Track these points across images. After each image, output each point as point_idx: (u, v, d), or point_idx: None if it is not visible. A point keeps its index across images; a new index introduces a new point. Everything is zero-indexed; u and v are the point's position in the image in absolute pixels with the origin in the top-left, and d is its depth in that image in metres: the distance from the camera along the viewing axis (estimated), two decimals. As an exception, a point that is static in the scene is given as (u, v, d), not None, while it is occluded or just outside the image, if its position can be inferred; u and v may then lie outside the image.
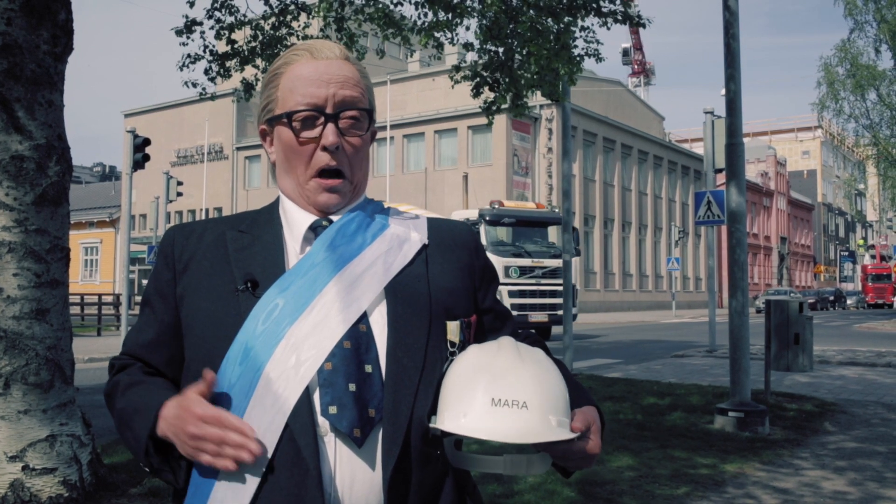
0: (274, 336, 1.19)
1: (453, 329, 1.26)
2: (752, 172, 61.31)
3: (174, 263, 1.32)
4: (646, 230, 48.49)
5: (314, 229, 1.30)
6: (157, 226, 23.29)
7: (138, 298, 37.59)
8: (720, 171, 12.88)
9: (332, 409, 1.15)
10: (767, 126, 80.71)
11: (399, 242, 1.32)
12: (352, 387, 1.16)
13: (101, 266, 51.21)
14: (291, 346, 1.18)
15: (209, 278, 1.28)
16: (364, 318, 1.22)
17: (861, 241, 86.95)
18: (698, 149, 55.65)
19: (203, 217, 47.49)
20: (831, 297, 54.15)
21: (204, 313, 1.25)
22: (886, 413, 8.32)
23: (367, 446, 1.16)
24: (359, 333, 1.21)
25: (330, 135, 1.26)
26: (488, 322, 1.39)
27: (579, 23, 9.24)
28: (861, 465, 5.95)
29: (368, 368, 1.19)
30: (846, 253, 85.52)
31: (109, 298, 25.97)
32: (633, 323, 29.81)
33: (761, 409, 7.21)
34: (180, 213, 47.42)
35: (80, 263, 50.71)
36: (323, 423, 1.16)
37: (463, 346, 1.26)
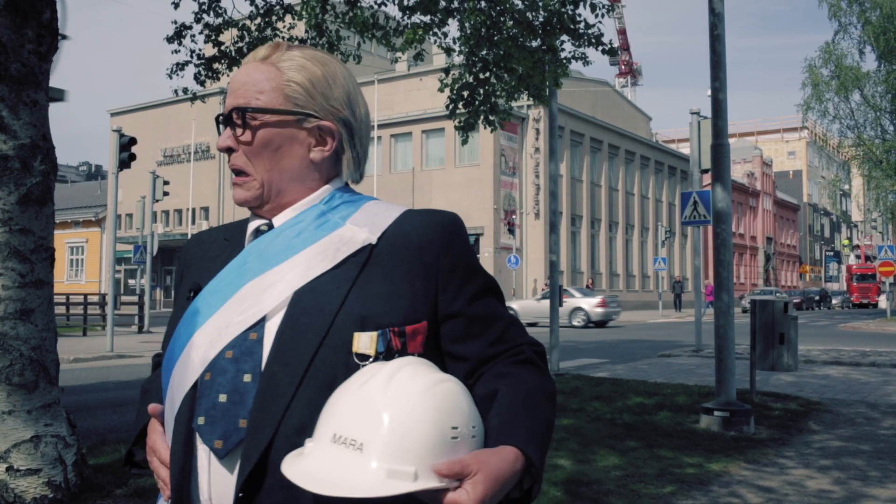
0: (182, 343, 1.23)
1: (365, 341, 1.14)
2: (738, 173, 61.64)
3: (182, 270, 1.40)
4: (633, 230, 48.64)
5: (256, 234, 1.30)
6: (143, 225, 23.09)
7: (124, 298, 37.41)
8: (706, 171, 12.94)
9: (200, 420, 1.15)
10: (754, 126, 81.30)
11: (337, 246, 1.21)
12: (222, 398, 1.14)
13: (86, 266, 50.87)
14: (188, 353, 1.20)
15: (186, 286, 1.34)
16: (261, 325, 1.18)
17: (846, 242, 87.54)
18: (685, 149, 55.89)
19: (189, 216, 46.27)
20: (816, 297, 54.53)
21: (171, 319, 1.32)
22: (870, 412, 8.39)
23: (229, 459, 1.13)
24: (246, 342, 1.17)
25: (220, 140, 1.30)
26: (458, 329, 1.23)
27: (556, 39, 9.30)
28: (845, 463, 6.00)
29: (247, 378, 1.15)
30: (831, 253, 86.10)
31: (95, 298, 25.66)
32: (620, 322, 29.87)
33: (746, 409, 7.25)
34: (167, 212, 47.18)
35: (65, 263, 50.38)
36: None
37: (389, 357, 1.14)
